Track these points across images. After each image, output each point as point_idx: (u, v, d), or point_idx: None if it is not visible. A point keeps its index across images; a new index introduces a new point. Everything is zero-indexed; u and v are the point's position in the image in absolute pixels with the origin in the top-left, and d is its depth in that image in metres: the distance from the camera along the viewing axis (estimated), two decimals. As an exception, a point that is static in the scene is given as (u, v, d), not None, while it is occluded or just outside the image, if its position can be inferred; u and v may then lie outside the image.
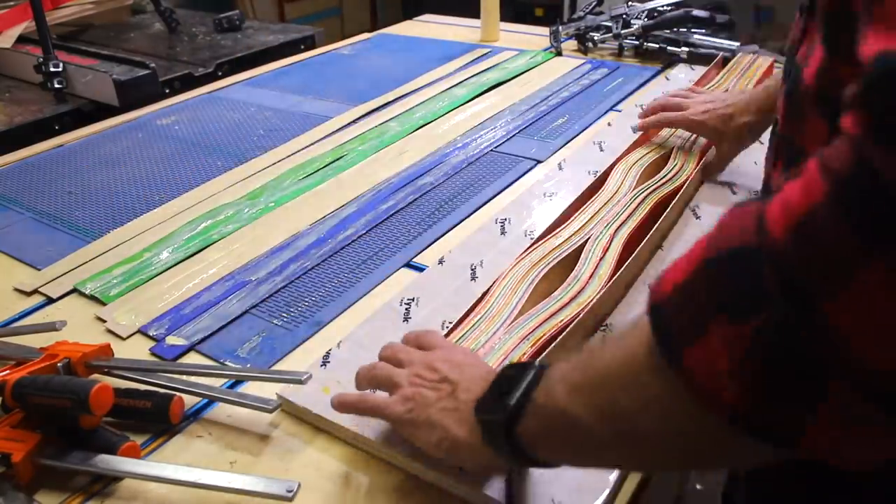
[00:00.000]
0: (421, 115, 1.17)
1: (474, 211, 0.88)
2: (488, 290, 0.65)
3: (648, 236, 0.72)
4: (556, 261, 0.69)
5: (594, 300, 0.63)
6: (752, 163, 0.94)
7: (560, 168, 0.95)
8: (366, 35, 1.70)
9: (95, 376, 0.60)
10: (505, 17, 1.63)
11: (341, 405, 0.52)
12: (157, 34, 1.76)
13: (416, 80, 1.34)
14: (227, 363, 0.64)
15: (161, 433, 0.56)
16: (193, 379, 0.59)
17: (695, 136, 0.94)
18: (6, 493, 0.50)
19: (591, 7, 1.55)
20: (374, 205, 0.90)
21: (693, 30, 1.38)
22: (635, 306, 0.67)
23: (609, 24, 1.45)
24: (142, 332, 0.68)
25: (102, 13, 1.86)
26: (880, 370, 0.24)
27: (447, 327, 0.63)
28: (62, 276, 0.78)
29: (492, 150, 1.04)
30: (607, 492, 0.49)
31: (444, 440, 0.46)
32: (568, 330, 0.59)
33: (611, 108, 1.18)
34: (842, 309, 0.24)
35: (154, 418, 0.56)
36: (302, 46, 1.68)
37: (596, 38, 1.45)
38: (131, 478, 0.51)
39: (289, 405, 0.57)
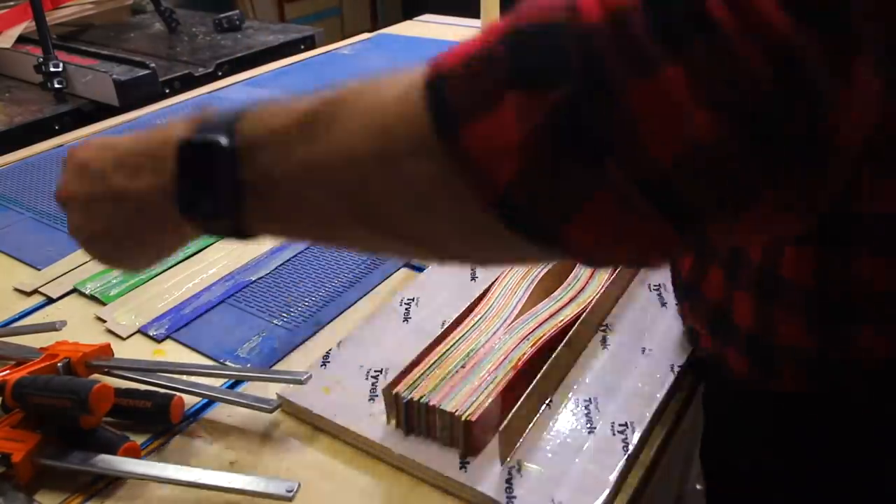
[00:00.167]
0: (421, 115, 1.17)
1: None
2: (488, 289, 0.65)
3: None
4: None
5: (594, 300, 0.63)
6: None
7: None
8: (366, 35, 1.70)
9: (95, 376, 0.60)
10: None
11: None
12: (157, 34, 1.76)
13: (416, 80, 1.34)
14: (227, 363, 0.64)
15: (161, 433, 0.56)
16: (193, 379, 0.59)
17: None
18: (6, 493, 0.50)
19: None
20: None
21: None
22: (636, 306, 0.67)
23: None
24: (142, 332, 0.68)
25: (102, 13, 1.86)
26: (658, 160, 0.24)
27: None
28: (62, 276, 0.78)
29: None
30: (607, 492, 0.49)
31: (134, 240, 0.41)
32: (571, 331, 0.59)
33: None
34: (639, 96, 0.24)
35: (154, 418, 0.56)
36: (302, 46, 1.68)
37: (596, 37, 1.45)
38: (131, 478, 0.51)
39: (289, 405, 0.57)
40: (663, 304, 0.67)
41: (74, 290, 0.75)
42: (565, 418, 0.55)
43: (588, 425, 0.54)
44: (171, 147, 0.35)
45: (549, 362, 0.55)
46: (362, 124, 0.30)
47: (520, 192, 0.27)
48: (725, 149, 0.24)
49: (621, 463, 0.51)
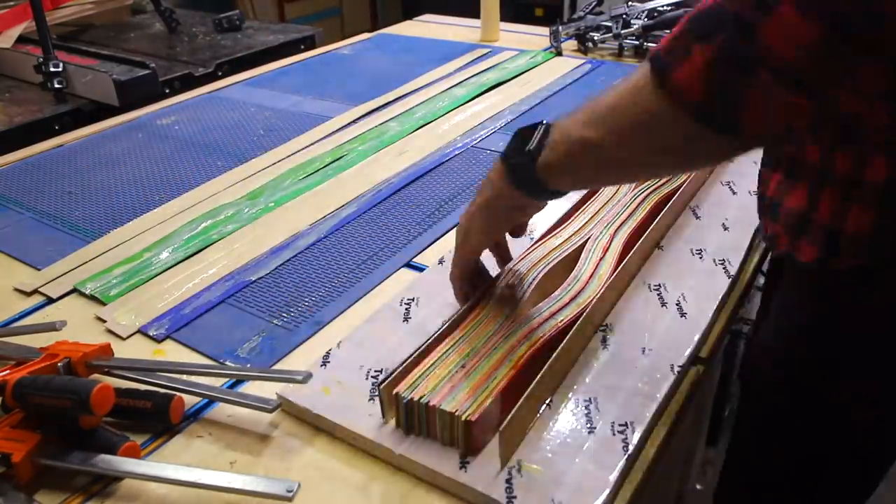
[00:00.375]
0: (421, 115, 1.17)
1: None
2: (488, 289, 0.65)
3: (646, 235, 0.72)
4: (556, 261, 0.69)
5: (594, 300, 0.63)
6: (751, 162, 0.94)
7: (560, 168, 0.95)
8: (366, 35, 1.70)
9: (96, 376, 0.60)
10: (505, 17, 1.63)
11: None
12: (157, 34, 1.76)
13: (416, 80, 1.34)
14: (227, 363, 0.64)
15: (161, 433, 0.56)
16: (193, 379, 0.59)
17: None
18: (6, 493, 0.50)
19: (591, 7, 1.55)
20: (374, 205, 0.90)
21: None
22: (636, 306, 0.67)
23: (609, 24, 1.45)
24: (142, 332, 0.68)
25: (102, 13, 1.86)
26: (790, 61, 0.38)
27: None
28: (62, 276, 0.78)
29: (492, 151, 1.04)
30: (607, 492, 0.49)
31: (483, 202, 0.60)
32: (571, 331, 0.59)
33: (611, 108, 1.18)
34: (768, 28, 0.38)
35: (154, 418, 0.56)
36: (302, 46, 1.68)
37: (596, 38, 1.45)
38: (131, 478, 0.51)
39: (289, 405, 0.57)
40: (663, 305, 0.67)
41: (74, 290, 0.75)
42: (565, 418, 0.55)
43: (588, 425, 0.54)
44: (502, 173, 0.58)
45: (549, 362, 0.55)
46: (619, 91, 0.48)
47: (710, 102, 0.42)
48: (819, 43, 0.37)
49: (621, 463, 0.51)
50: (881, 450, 0.68)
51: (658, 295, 0.69)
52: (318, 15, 3.62)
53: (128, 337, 0.68)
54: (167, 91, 1.37)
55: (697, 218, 0.82)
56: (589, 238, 0.72)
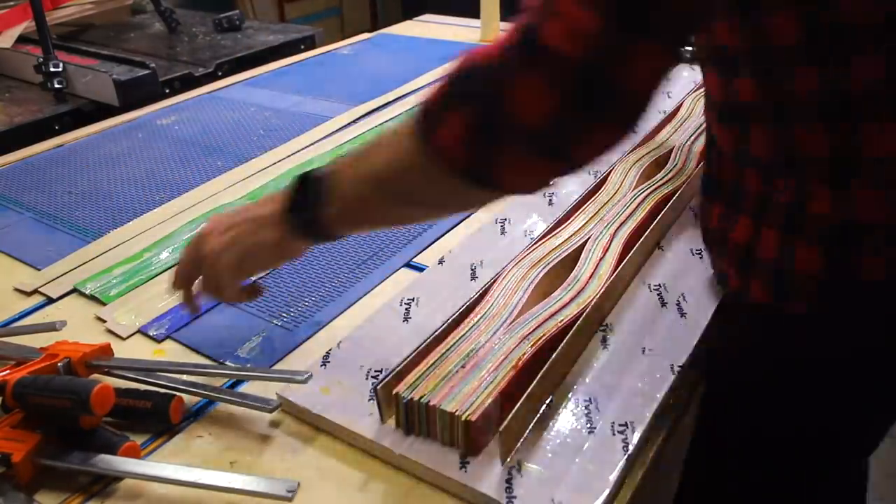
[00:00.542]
0: (421, 115, 1.17)
1: (474, 211, 0.88)
2: (488, 289, 0.65)
3: (646, 235, 0.72)
4: (556, 261, 0.69)
5: (594, 300, 0.63)
6: (752, 163, 0.94)
7: (560, 168, 0.95)
8: (366, 35, 1.70)
9: (95, 376, 0.60)
10: (505, 16, 1.63)
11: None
12: (157, 34, 1.76)
13: (416, 80, 1.34)
14: (227, 363, 0.64)
15: (161, 433, 0.56)
16: (193, 379, 0.59)
17: (695, 135, 0.94)
18: (6, 493, 0.50)
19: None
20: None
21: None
22: (636, 306, 0.67)
23: (609, 24, 1.44)
24: (142, 332, 0.68)
25: (102, 13, 1.86)
26: (537, 128, 0.41)
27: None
28: (62, 276, 0.78)
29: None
30: (607, 492, 0.49)
31: (252, 241, 0.58)
32: (571, 331, 0.59)
33: (611, 108, 1.18)
34: (519, 94, 0.41)
35: (154, 418, 0.56)
36: (302, 46, 1.68)
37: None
38: (131, 478, 0.51)
39: (289, 405, 0.57)
40: (663, 305, 0.67)
41: (74, 290, 0.75)
42: (565, 418, 0.55)
43: (588, 425, 0.54)
44: (282, 191, 0.57)
45: (549, 362, 0.55)
46: (387, 153, 0.50)
47: (469, 165, 0.44)
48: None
49: (621, 463, 0.51)
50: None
51: (658, 295, 0.69)
52: (318, 15, 3.62)
53: (128, 337, 0.68)
54: (167, 91, 1.37)
55: (698, 218, 0.82)
56: (589, 238, 0.72)
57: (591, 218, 0.76)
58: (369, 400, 0.57)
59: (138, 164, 1.06)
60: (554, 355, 0.56)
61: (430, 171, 0.46)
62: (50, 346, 0.61)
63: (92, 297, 0.74)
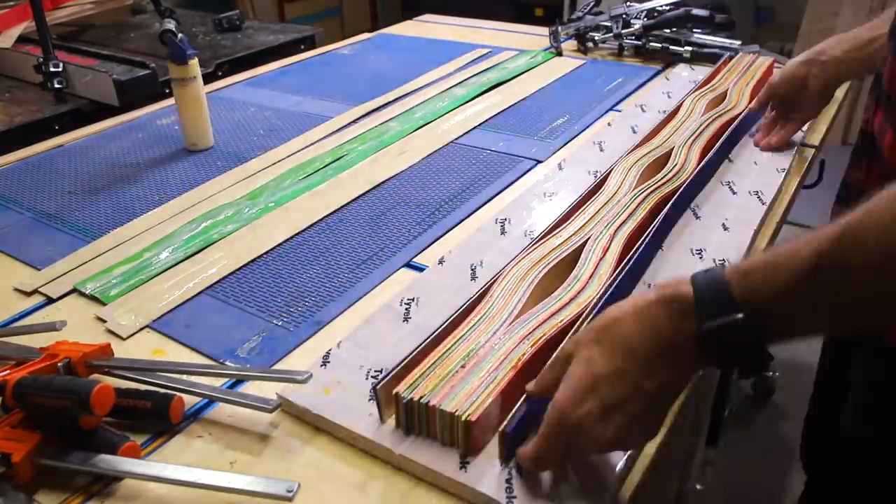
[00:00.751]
0: (421, 115, 1.17)
1: (474, 211, 0.88)
2: (488, 289, 0.65)
3: (647, 235, 0.72)
4: (556, 261, 0.69)
5: (594, 300, 0.63)
6: (752, 163, 0.94)
7: (560, 168, 0.95)
8: (366, 35, 1.70)
9: (96, 376, 0.60)
10: (505, 17, 1.64)
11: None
12: (158, 34, 1.76)
13: (416, 80, 1.34)
14: (227, 363, 0.64)
15: (161, 433, 0.56)
16: (193, 379, 0.59)
17: (695, 135, 0.94)
18: (6, 493, 0.50)
19: (589, 7, 1.55)
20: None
21: (693, 29, 1.38)
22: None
23: (609, 24, 1.45)
24: (142, 331, 0.68)
25: (102, 13, 1.86)
26: None
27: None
28: (62, 276, 0.78)
29: (492, 151, 1.04)
30: (607, 492, 0.49)
31: (655, 386, 0.45)
32: (571, 331, 0.59)
33: (611, 108, 1.18)
34: None
35: (154, 418, 0.56)
36: (302, 46, 1.68)
37: (596, 38, 1.45)
38: (131, 478, 0.51)
39: (289, 405, 0.57)
40: (663, 304, 0.67)
41: (74, 290, 0.75)
42: (565, 418, 0.55)
43: (588, 425, 0.54)
44: (685, 338, 0.43)
45: (548, 362, 0.55)
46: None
47: None
48: None
49: (621, 463, 0.51)
50: None
51: (658, 295, 0.69)
52: (318, 15, 3.62)
53: (128, 337, 0.68)
54: (167, 91, 1.37)
55: (697, 218, 0.82)
56: (589, 238, 0.72)
57: (591, 218, 0.76)
58: (369, 400, 0.57)
59: (138, 164, 1.06)
60: (554, 355, 0.56)
61: None
62: (50, 346, 0.61)
63: (92, 297, 0.74)
